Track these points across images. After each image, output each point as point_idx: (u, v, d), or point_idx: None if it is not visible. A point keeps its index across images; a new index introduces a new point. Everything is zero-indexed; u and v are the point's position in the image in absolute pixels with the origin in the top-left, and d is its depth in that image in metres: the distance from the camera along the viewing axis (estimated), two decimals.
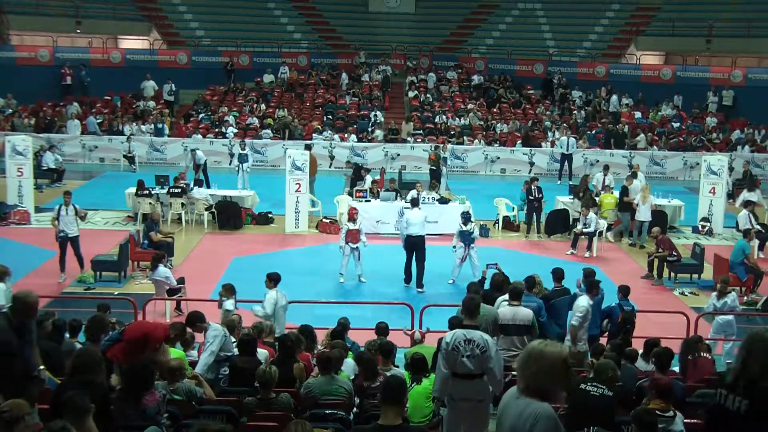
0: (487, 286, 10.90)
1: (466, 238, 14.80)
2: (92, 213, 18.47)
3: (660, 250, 15.56)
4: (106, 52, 33.18)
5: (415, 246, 14.58)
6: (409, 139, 28.23)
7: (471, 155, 27.45)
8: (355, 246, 14.89)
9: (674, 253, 15.51)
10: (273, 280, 11.00)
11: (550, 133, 28.95)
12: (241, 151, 22.77)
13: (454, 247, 14.93)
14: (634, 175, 19.41)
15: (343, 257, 14.98)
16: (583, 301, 9.87)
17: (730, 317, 11.59)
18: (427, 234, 16.23)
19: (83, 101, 30.52)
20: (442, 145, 24.59)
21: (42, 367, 6.85)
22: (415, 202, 15.45)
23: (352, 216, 15.28)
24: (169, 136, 27.87)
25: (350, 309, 12.45)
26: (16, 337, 6.45)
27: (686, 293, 14.95)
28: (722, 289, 11.67)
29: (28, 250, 16.19)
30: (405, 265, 14.75)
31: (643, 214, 17.90)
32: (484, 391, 6.77)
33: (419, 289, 14.45)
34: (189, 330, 8.99)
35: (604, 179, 20.00)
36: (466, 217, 15.04)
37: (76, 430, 5.01)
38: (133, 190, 19.00)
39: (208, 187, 20.74)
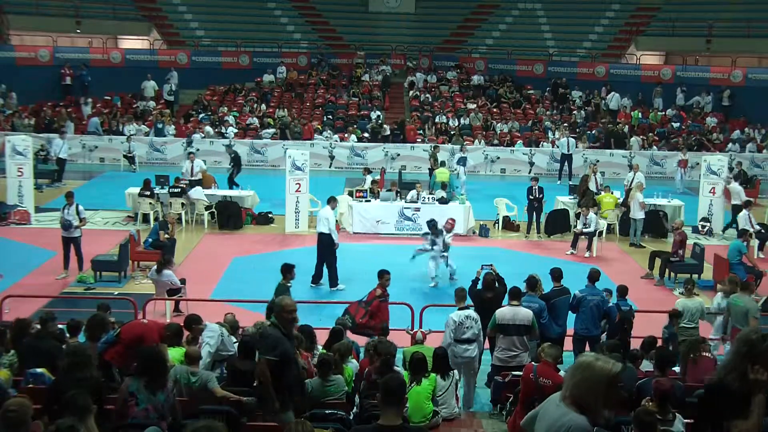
0: (480, 286, 10.91)
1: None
2: (92, 213, 18.49)
3: (675, 237, 15.54)
4: (106, 52, 33.16)
5: (319, 243, 14.43)
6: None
7: (471, 155, 27.40)
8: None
9: (678, 252, 15.48)
10: None
11: (550, 133, 28.94)
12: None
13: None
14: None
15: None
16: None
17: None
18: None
19: (82, 101, 30.49)
20: (461, 147, 24.60)
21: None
22: (330, 201, 14.90)
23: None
24: (175, 136, 27.88)
25: None
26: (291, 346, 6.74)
27: None
28: (733, 289, 11.48)
29: (28, 250, 16.20)
30: (315, 265, 14.50)
31: (636, 213, 17.96)
32: (473, 353, 9.49)
33: (332, 288, 14.20)
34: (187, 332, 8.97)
35: (596, 179, 20.02)
36: (429, 223, 15.05)
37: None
38: (133, 190, 19.02)
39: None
